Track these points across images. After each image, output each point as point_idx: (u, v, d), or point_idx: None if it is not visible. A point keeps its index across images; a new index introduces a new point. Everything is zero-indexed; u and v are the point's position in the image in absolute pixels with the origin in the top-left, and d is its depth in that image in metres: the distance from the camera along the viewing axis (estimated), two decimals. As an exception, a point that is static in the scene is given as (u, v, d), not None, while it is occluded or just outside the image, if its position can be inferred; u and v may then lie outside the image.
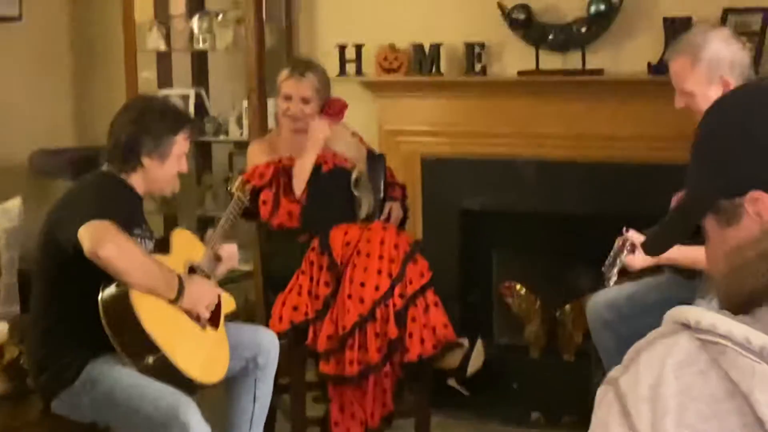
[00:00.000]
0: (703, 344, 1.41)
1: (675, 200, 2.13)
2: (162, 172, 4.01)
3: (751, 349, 1.38)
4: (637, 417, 1.41)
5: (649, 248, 1.92)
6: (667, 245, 1.82)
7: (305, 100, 5.01)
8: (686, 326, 1.44)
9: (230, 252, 4.21)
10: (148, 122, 3.96)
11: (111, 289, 3.71)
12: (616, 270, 3.87)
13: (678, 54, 4.01)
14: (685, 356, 1.42)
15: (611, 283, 3.90)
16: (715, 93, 3.92)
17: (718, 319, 1.41)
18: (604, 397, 1.48)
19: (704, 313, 1.43)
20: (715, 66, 3.91)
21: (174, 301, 3.80)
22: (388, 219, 5.15)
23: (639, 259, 3.91)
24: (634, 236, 3.90)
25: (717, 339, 1.40)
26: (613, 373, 1.49)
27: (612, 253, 3.90)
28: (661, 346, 1.45)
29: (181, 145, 4.03)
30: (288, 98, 5.02)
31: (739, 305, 1.46)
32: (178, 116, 4.12)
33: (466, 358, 4.76)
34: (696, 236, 1.69)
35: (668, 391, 1.40)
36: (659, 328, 1.49)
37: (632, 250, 3.90)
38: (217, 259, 4.18)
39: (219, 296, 4.09)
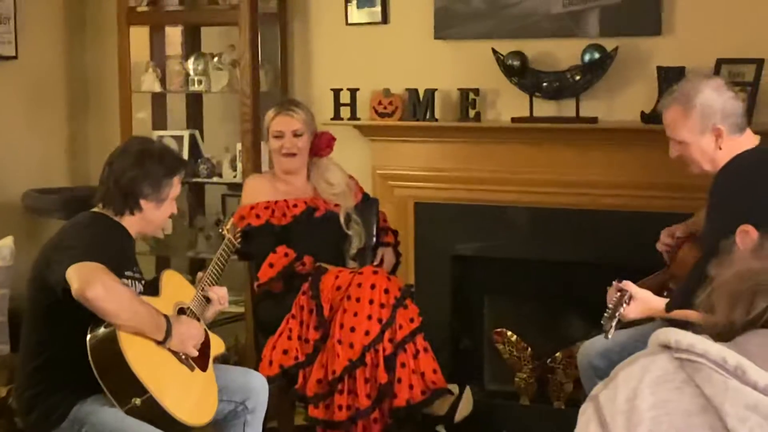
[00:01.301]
0: (681, 363, 1.49)
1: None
2: (158, 214, 4.03)
3: (726, 368, 1.45)
4: (613, 427, 1.49)
5: (669, 307, 1.99)
6: (686, 300, 1.90)
7: (297, 134, 5.05)
8: (667, 348, 1.52)
9: (220, 294, 4.20)
10: (148, 167, 3.98)
11: (99, 331, 3.70)
12: (614, 323, 3.84)
13: (671, 104, 4.02)
14: (662, 373, 1.50)
15: (610, 335, 3.87)
16: (707, 142, 3.93)
17: (696, 339, 1.49)
18: (584, 412, 1.56)
19: (684, 334, 1.50)
20: (708, 115, 3.91)
21: (162, 342, 3.80)
22: (380, 265, 5.16)
23: (633, 311, 3.88)
24: (631, 287, 3.88)
25: (694, 357, 1.48)
26: (594, 390, 1.57)
27: (611, 306, 3.86)
28: (640, 364, 1.53)
29: (176, 188, 4.07)
30: (280, 135, 5.06)
31: (723, 334, 1.53)
32: (175, 160, 4.15)
33: (454, 405, 4.74)
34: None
35: (644, 404, 1.48)
36: (643, 350, 1.57)
37: (628, 301, 3.87)
38: (207, 301, 4.17)
39: (208, 337, 4.08)
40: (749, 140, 3.97)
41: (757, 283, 1.56)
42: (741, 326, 1.54)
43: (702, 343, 1.49)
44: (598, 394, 1.56)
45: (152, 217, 4.03)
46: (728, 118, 3.92)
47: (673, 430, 1.46)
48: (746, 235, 1.80)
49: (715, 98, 3.94)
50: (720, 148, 3.90)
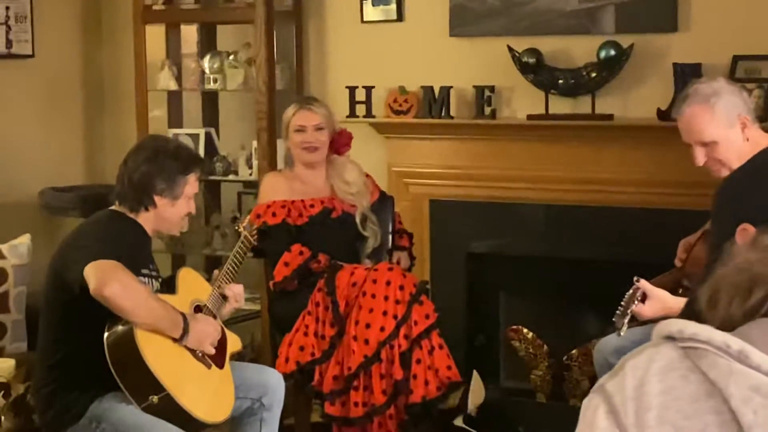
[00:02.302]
0: (685, 352, 1.53)
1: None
2: (173, 211, 4.02)
3: (730, 353, 1.49)
4: (624, 414, 1.53)
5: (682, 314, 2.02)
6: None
7: (319, 128, 5.06)
8: (671, 339, 1.57)
9: (236, 292, 4.20)
10: (161, 162, 3.98)
11: (116, 328, 3.71)
12: (626, 320, 3.82)
13: (690, 105, 3.95)
14: (668, 362, 1.54)
15: (622, 332, 3.85)
16: (735, 135, 3.89)
17: (699, 328, 1.54)
18: (590, 401, 1.60)
19: (687, 324, 1.55)
20: (732, 106, 3.89)
21: (179, 340, 3.80)
22: (396, 267, 5.17)
23: (648, 309, 3.85)
24: (645, 286, 3.85)
25: (698, 345, 1.52)
26: (600, 381, 1.61)
27: (623, 303, 3.85)
28: (646, 354, 1.58)
29: (192, 185, 4.06)
30: (302, 129, 5.06)
31: (724, 325, 1.57)
32: (190, 156, 4.14)
33: (465, 395, 4.74)
34: None
35: (652, 390, 1.52)
36: (648, 342, 1.62)
37: (642, 299, 3.85)
38: (224, 299, 4.18)
39: (225, 335, 4.09)
40: (764, 135, 3.97)
41: (754, 273, 1.59)
42: (741, 317, 1.58)
43: (705, 331, 1.53)
44: (604, 384, 1.59)
45: (167, 214, 4.02)
46: (746, 104, 3.92)
47: (680, 415, 1.49)
48: (745, 233, 1.80)
49: (733, 90, 3.94)
50: (747, 140, 3.88)
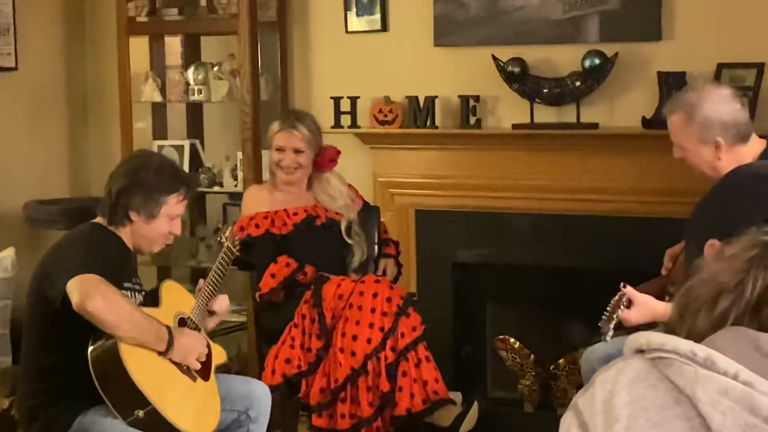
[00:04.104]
0: (653, 362, 1.56)
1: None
2: (148, 230, 3.96)
3: (696, 360, 1.52)
4: (592, 427, 1.56)
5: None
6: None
7: (297, 151, 5.04)
8: (641, 352, 1.60)
9: (222, 306, 4.18)
10: (141, 178, 3.92)
11: (100, 342, 3.69)
12: (612, 325, 3.81)
13: (674, 111, 4.03)
14: (636, 374, 1.57)
15: (608, 338, 3.85)
16: (707, 152, 3.94)
17: (666, 338, 1.57)
18: (564, 419, 1.64)
19: (654, 335, 1.58)
20: (707, 128, 3.92)
21: (163, 354, 3.78)
22: (383, 275, 5.15)
23: (635, 315, 3.85)
24: (631, 292, 3.85)
25: (665, 354, 1.55)
26: (574, 398, 1.65)
27: (608, 309, 3.84)
28: (615, 368, 1.61)
29: (172, 206, 3.98)
30: (281, 150, 5.06)
31: (692, 336, 1.61)
32: (174, 177, 4.03)
33: (460, 418, 4.71)
34: None
35: (620, 402, 1.55)
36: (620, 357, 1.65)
37: (628, 305, 3.84)
38: (210, 312, 4.15)
39: (210, 347, 4.07)
40: (753, 147, 3.98)
41: (718, 284, 1.63)
42: (709, 327, 1.61)
43: (672, 340, 1.56)
44: (576, 400, 1.63)
45: (142, 232, 3.96)
46: (729, 130, 3.93)
47: (649, 425, 1.51)
48: (712, 249, 1.84)
49: (717, 110, 3.94)
50: (719, 159, 3.91)
